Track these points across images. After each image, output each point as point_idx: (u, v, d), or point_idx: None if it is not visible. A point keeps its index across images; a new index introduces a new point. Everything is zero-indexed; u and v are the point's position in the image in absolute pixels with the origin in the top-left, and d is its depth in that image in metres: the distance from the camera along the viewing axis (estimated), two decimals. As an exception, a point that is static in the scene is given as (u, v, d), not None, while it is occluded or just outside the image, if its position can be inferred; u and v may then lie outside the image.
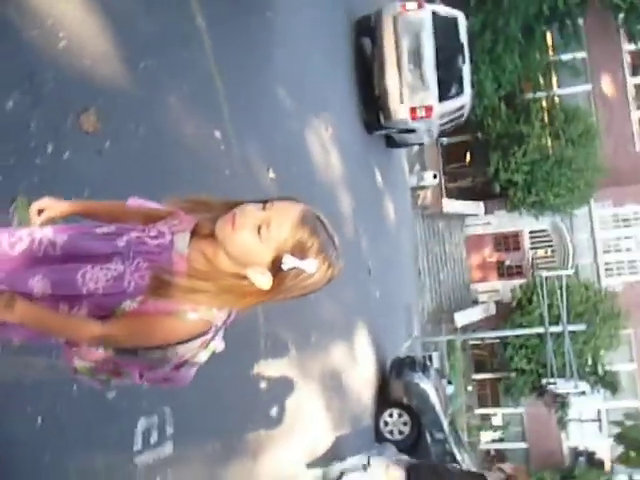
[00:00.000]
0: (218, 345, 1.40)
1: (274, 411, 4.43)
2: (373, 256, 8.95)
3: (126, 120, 2.71)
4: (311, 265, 1.17)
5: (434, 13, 8.48)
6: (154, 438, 2.66)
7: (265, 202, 1.22)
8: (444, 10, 8.83)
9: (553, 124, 14.74)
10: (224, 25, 4.13)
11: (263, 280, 1.20)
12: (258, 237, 1.17)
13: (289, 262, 1.16)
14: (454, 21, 8.70)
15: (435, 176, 14.11)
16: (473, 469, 6.53)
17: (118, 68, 2.75)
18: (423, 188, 14.56)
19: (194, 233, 1.31)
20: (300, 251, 1.17)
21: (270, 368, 4.32)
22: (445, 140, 10.20)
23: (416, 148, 15.33)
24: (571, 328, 11.88)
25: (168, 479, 2.73)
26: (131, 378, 1.38)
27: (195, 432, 3.14)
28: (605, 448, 15.56)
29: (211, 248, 1.26)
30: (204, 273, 1.23)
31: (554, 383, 12.50)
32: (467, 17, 9.77)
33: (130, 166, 2.71)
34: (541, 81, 15.52)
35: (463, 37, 8.92)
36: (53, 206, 1.43)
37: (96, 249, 1.29)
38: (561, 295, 12.15)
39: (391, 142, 10.79)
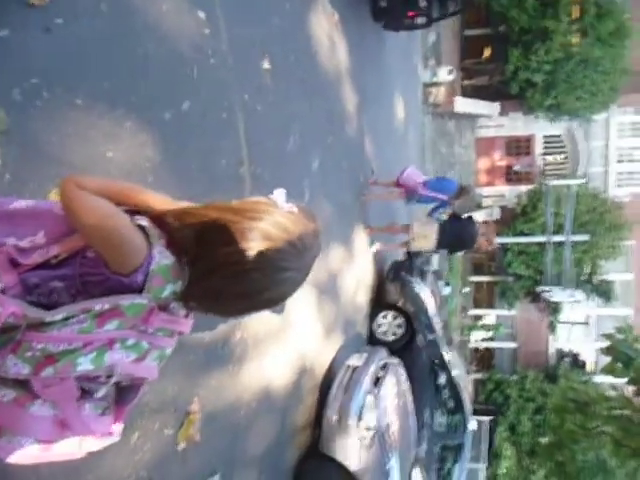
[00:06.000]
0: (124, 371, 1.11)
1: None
2: (377, 156, 8.56)
3: (84, -9, 2.26)
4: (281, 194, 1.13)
5: None
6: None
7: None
8: None
9: (582, 19, 13.59)
10: None
11: None
12: None
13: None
14: None
15: (450, 72, 13.28)
16: None
17: None
18: (436, 84, 13.75)
19: None
20: None
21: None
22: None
23: (433, 39, 14.27)
24: (574, 238, 11.72)
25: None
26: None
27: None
28: (590, 351, 16.10)
29: None
30: None
31: (549, 291, 12.59)
32: None
33: (87, 50, 2.29)
34: (575, -30, 14.14)
35: None
36: None
37: None
38: (568, 204, 11.84)
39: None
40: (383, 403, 5.40)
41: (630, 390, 7.04)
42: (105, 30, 2.40)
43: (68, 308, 1.03)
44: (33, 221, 1.16)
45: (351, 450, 5.00)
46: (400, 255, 9.34)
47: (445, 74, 13.28)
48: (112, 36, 2.45)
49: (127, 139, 2.53)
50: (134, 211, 1.14)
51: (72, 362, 1.02)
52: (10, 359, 1.02)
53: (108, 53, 2.43)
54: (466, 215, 7.32)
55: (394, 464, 5.31)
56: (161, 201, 1.18)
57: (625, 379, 6.83)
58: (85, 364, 1.03)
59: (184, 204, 1.21)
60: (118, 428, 1.20)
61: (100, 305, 1.03)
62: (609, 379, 7.98)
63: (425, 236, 7.27)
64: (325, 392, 5.37)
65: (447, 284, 13.72)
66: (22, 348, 1.02)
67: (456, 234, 7.28)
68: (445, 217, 7.31)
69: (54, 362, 1.01)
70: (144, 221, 1.10)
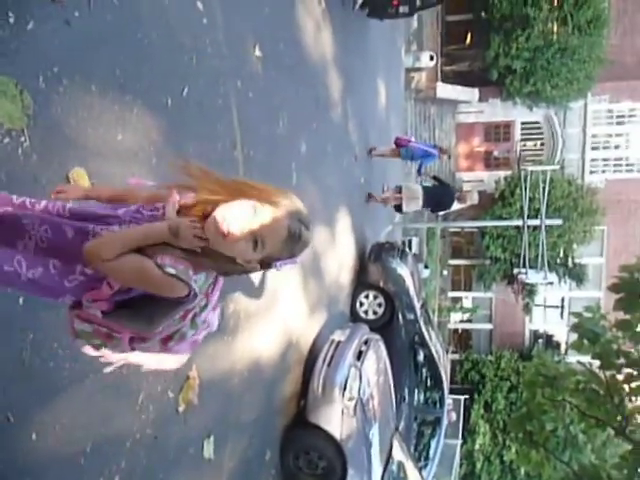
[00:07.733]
0: (211, 321, 1.58)
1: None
2: (361, 140, 8.79)
3: (98, -14, 2.45)
4: (295, 262, 1.43)
5: None
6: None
7: (258, 189, 1.39)
8: None
9: (562, 7, 13.89)
10: None
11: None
12: (252, 247, 1.36)
13: (279, 265, 1.43)
14: None
15: (432, 58, 13.48)
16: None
17: None
18: (418, 70, 13.96)
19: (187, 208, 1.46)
20: (289, 255, 1.41)
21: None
22: None
23: (415, 26, 14.44)
24: (548, 222, 12.12)
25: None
26: (121, 345, 1.50)
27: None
28: (563, 332, 16.69)
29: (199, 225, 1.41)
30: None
31: (525, 273, 13.02)
32: None
33: (102, 39, 2.49)
34: (555, -42, 14.39)
35: None
36: (72, 190, 1.71)
37: (98, 212, 1.51)
38: (543, 189, 12.22)
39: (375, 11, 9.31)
40: (365, 375, 5.70)
41: (596, 366, 7.45)
42: (115, 21, 2.59)
43: (161, 324, 1.48)
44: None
45: (335, 418, 5.30)
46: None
47: (427, 59, 13.46)
48: (121, 26, 2.65)
49: (135, 123, 2.74)
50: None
51: (182, 334, 1.56)
52: (143, 345, 1.54)
53: (118, 43, 2.63)
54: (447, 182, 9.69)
55: (375, 433, 5.64)
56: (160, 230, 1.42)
57: (590, 355, 7.22)
58: (189, 332, 1.56)
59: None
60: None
61: (177, 314, 1.48)
62: (578, 357, 8.40)
63: (413, 198, 9.16)
64: (310, 365, 5.66)
65: (426, 267, 14.10)
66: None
67: (438, 197, 9.31)
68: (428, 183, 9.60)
69: (171, 339, 1.56)
70: (170, 267, 1.36)
